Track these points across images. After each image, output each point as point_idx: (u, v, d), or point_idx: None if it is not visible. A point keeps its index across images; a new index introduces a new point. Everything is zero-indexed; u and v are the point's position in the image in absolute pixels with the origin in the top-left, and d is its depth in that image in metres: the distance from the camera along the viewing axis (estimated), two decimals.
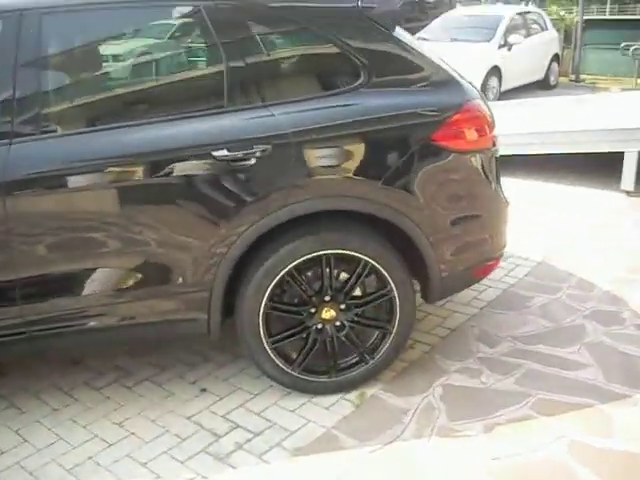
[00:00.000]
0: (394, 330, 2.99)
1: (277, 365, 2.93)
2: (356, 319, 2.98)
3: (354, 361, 3.03)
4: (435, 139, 2.86)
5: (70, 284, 2.73)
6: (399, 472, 2.55)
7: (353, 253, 2.86)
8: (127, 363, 3.32)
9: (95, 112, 2.83)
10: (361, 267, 2.89)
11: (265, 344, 2.89)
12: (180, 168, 2.65)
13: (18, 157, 2.54)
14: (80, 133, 2.70)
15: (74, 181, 2.63)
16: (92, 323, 2.77)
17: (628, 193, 5.69)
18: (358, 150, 2.80)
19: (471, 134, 2.93)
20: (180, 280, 2.75)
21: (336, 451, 2.67)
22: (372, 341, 3.04)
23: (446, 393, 3.00)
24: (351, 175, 2.78)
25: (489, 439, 2.69)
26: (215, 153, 2.64)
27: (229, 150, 2.65)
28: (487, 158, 3.03)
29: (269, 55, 2.83)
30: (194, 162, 2.66)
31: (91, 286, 2.72)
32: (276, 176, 2.71)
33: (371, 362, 3.01)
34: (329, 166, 2.78)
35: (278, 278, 2.81)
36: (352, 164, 2.79)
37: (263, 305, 2.83)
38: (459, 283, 3.16)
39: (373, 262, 2.87)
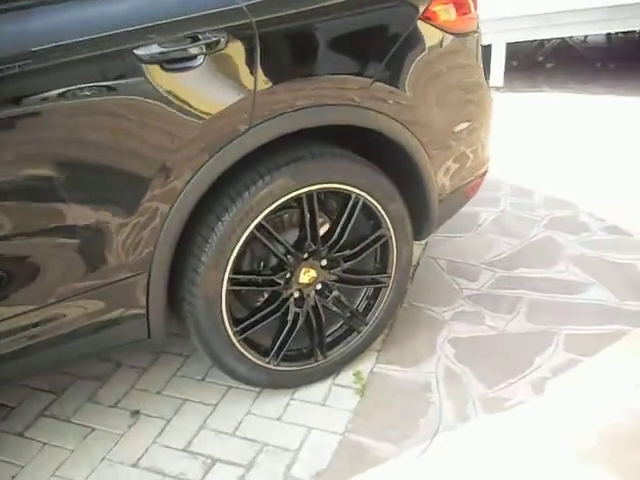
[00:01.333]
0: (391, 282, 2.23)
1: (249, 361, 2.04)
2: (344, 276, 2.17)
3: (341, 332, 2.24)
4: (427, 17, 2.06)
5: None
6: (470, 474, 1.86)
7: (341, 186, 2.01)
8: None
9: None
10: (351, 204, 2.06)
11: (232, 336, 1.98)
12: (75, 82, 1.56)
13: None
14: None
15: None
16: None
17: (498, 89, 5.35)
18: (341, 35, 1.90)
19: (459, 11, 2.17)
20: (96, 264, 1.71)
21: (372, 467, 1.89)
22: (360, 302, 2.26)
23: (459, 351, 2.34)
24: (336, 73, 1.90)
25: (550, 402, 2.09)
26: (139, 51, 1.60)
27: (161, 45, 1.63)
28: (476, 43, 2.31)
29: None
30: (102, 69, 1.59)
31: None
32: (234, 82, 1.74)
33: (365, 329, 2.24)
34: (306, 60, 1.86)
35: (245, 238, 1.89)
36: (335, 56, 1.89)
37: (226, 281, 1.90)
38: (453, 207, 2.45)
39: (366, 195, 2.06)
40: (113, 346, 1.88)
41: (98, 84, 1.58)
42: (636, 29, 5.85)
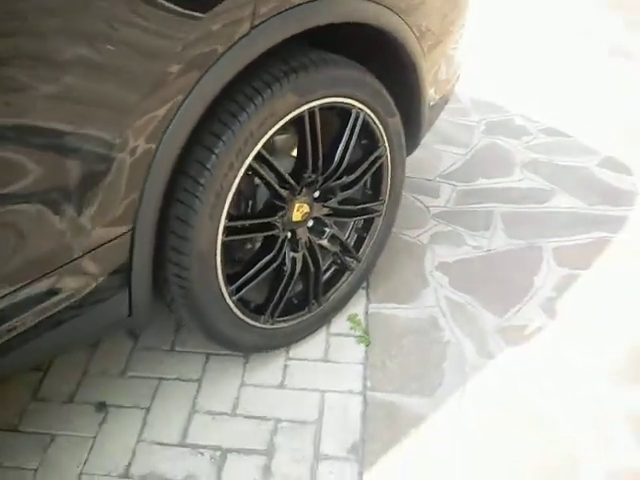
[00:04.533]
0: (384, 209, 1.92)
1: (245, 324, 1.66)
2: (339, 208, 1.81)
3: (332, 274, 1.91)
4: None
5: None
6: (518, 414, 1.66)
7: (344, 100, 1.63)
8: None
9: None
10: (352, 122, 1.69)
11: (227, 297, 1.58)
12: None
13: None
14: None
15: None
16: None
17: None
18: None
19: None
20: (65, 230, 1.23)
21: (413, 427, 1.62)
22: (348, 235, 1.93)
23: (453, 278, 2.10)
24: None
25: (567, 324, 1.93)
26: None
27: None
28: None
29: None
30: None
31: None
32: None
33: (358, 266, 1.93)
34: None
35: (242, 172, 1.47)
36: None
37: (221, 230, 1.49)
38: (436, 115, 2.15)
39: (366, 110, 1.69)
40: (87, 334, 1.41)
41: None
42: None
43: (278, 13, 1.35)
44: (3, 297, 1.20)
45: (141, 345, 1.85)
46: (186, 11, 1.20)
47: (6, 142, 1.08)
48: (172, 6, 1.17)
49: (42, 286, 1.25)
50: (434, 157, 2.78)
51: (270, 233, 1.64)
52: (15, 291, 1.21)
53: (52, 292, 1.28)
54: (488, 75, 3.53)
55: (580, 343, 1.87)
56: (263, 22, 1.33)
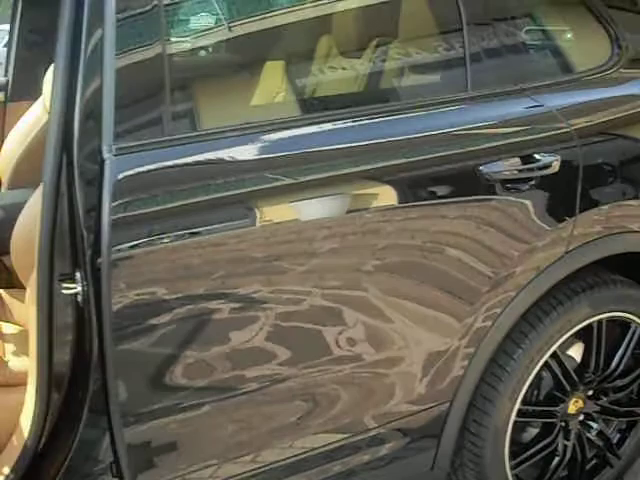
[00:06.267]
0: None
1: None
2: (607, 407, 2.02)
3: (592, 465, 2.07)
4: None
5: None
6: None
7: (628, 315, 1.90)
8: None
9: None
10: (630, 334, 1.94)
11: (507, 471, 1.83)
12: (421, 196, 1.51)
13: None
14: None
15: None
16: None
17: None
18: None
19: None
20: (412, 391, 1.60)
21: None
22: (612, 433, 2.10)
23: None
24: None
25: None
26: (485, 168, 1.53)
27: (506, 164, 1.56)
28: None
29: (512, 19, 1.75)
30: (446, 184, 1.52)
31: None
32: (558, 203, 1.66)
33: (617, 463, 2.07)
34: (619, 181, 1.79)
35: (540, 366, 1.77)
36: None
37: (515, 412, 1.77)
38: None
39: None
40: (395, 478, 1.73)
41: (441, 199, 1.52)
42: None
43: (584, 244, 1.71)
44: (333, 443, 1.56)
45: None
46: (542, 224, 1.61)
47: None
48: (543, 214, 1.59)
49: (369, 437, 1.60)
50: None
51: (550, 420, 1.89)
52: (346, 438, 1.58)
53: (384, 440, 1.62)
54: None
55: None
56: (575, 249, 1.69)
